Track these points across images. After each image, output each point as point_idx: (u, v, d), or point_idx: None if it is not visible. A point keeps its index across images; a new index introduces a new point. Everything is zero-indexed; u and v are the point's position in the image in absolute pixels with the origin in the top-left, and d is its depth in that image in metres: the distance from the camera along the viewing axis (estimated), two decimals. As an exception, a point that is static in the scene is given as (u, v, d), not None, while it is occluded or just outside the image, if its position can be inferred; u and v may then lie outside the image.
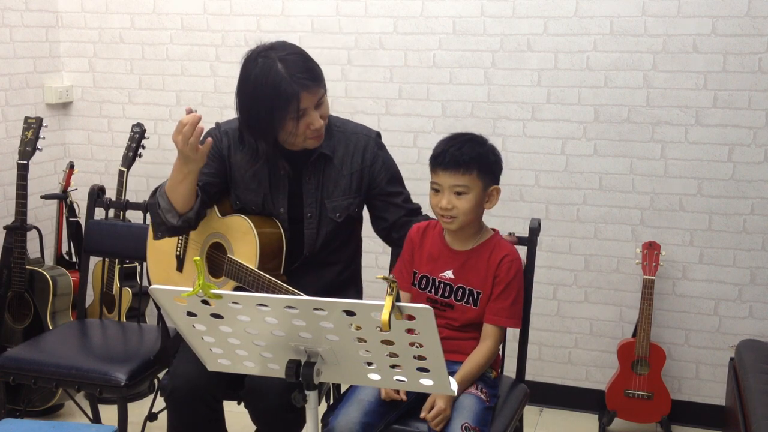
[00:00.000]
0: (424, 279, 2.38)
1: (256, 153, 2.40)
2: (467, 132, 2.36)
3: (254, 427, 2.49)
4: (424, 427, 2.23)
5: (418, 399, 2.27)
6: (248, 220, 2.43)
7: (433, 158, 2.31)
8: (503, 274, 2.32)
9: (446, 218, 2.28)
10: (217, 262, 2.51)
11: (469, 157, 2.25)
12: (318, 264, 2.54)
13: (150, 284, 2.70)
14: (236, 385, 2.46)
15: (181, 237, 2.62)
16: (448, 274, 2.35)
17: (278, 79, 2.27)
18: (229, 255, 2.45)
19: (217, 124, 2.58)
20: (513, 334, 2.71)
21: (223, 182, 2.53)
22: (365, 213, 2.64)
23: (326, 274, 2.54)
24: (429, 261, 2.39)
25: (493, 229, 2.41)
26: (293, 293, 2.22)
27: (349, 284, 2.64)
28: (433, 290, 2.37)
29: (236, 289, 2.41)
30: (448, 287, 2.35)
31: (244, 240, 2.42)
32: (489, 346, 2.32)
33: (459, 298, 2.34)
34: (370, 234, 2.66)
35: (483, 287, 2.33)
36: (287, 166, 2.46)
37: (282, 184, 2.49)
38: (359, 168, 2.51)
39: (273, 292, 2.28)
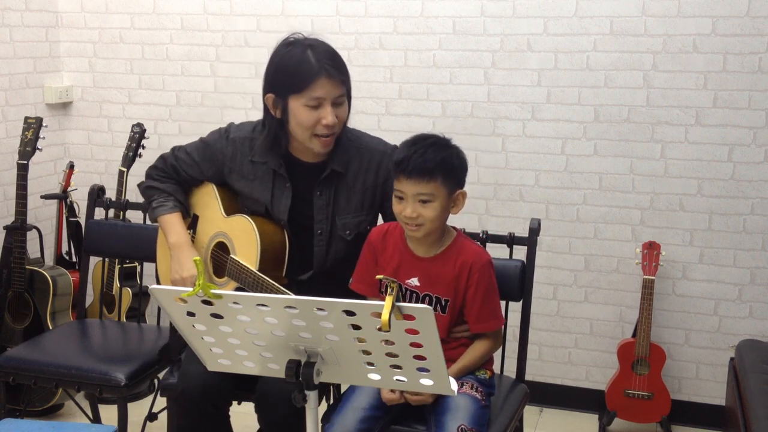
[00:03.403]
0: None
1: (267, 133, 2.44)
2: (430, 134, 2.28)
3: (255, 428, 2.49)
4: (424, 427, 2.23)
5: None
6: (251, 221, 2.42)
7: (396, 164, 2.21)
8: (478, 283, 2.26)
9: (411, 226, 2.21)
10: (222, 262, 2.51)
11: (433, 164, 2.16)
12: (327, 280, 2.50)
13: (159, 283, 2.69)
14: (244, 387, 2.43)
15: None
16: (414, 281, 2.29)
17: (304, 58, 2.31)
18: (231, 255, 2.45)
19: (230, 125, 2.57)
20: (513, 334, 2.71)
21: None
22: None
23: (335, 287, 2.46)
24: (392, 267, 2.31)
25: (454, 228, 2.34)
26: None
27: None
28: (399, 297, 2.28)
29: (237, 290, 2.40)
30: (414, 295, 2.29)
31: (246, 240, 2.41)
32: (489, 340, 2.32)
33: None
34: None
35: (450, 294, 2.27)
36: (283, 164, 2.45)
37: (285, 196, 2.46)
38: (372, 185, 2.47)
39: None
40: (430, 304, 2.28)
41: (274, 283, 2.27)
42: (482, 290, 2.27)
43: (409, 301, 2.30)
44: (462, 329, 2.34)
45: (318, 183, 2.45)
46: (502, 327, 2.41)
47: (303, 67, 2.30)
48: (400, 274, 2.31)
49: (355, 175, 2.45)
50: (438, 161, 2.18)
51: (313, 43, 2.35)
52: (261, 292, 2.29)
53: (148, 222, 2.83)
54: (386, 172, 2.45)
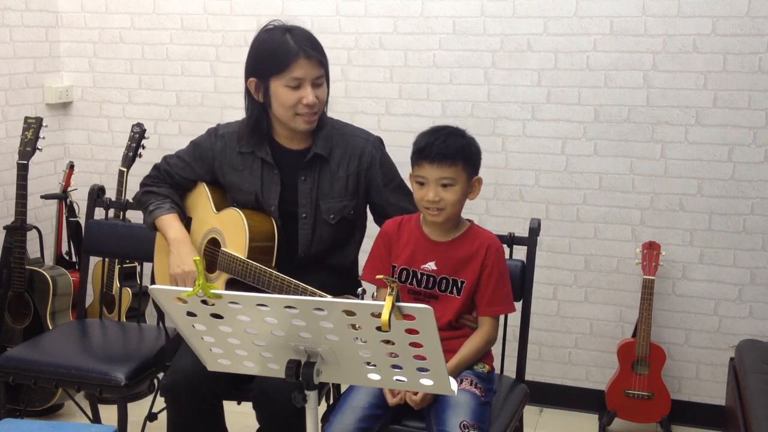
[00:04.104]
0: (404, 272, 2.37)
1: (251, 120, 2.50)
2: (445, 125, 2.35)
3: (255, 428, 2.49)
4: (424, 425, 2.23)
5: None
6: (240, 211, 2.47)
7: (418, 151, 2.29)
8: (494, 263, 2.33)
9: (433, 211, 2.28)
10: (214, 257, 2.54)
11: (454, 150, 2.26)
12: (314, 267, 2.54)
13: (155, 284, 2.70)
14: (239, 386, 2.45)
15: None
16: (431, 265, 2.35)
17: (284, 41, 2.40)
18: (222, 248, 2.47)
19: (218, 125, 2.62)
20: (513, 334, 2.71)
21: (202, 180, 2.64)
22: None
23: (322, 278, 2.51)
24: (407, 253, 2.38)
25: (468, 220, 2.41)
26: (282, 280, 2.25)
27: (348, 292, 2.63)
28: (414, 282, 2.36)
29: (229, 281, 2.44)
30: (431, 279, 2.35)
31: (235, 231, 2.46)
32: (487, 331, 2.35)
33: (443, 288, 2.35)
34: (370, 234, 2.65)
35: (467, 276, 2.33)
36: (269, 152, 2.50)
37: (274, 183, 2.51)
38: (356, 171, 2.52)
39: (262, 280, 2.31)
40: (446, 286, 2.34)
41: (263, 267, 2.31)
42: (497, 273, 2.33)
43: (426, 285, 2.36)
44: (469, 318, 2.38)
45: (302, 167, 2.50)
46: (499, 323, 2.43)
47: (283, 49, 2.39)
48: (416, 260, 2.36)
49: (339, 161, 2.52)
50: (458, 147, 2.28)
51: (292, 28, 2.44)
52: (251, 279, 2.34)
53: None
54: (369, 158, 2.53)
